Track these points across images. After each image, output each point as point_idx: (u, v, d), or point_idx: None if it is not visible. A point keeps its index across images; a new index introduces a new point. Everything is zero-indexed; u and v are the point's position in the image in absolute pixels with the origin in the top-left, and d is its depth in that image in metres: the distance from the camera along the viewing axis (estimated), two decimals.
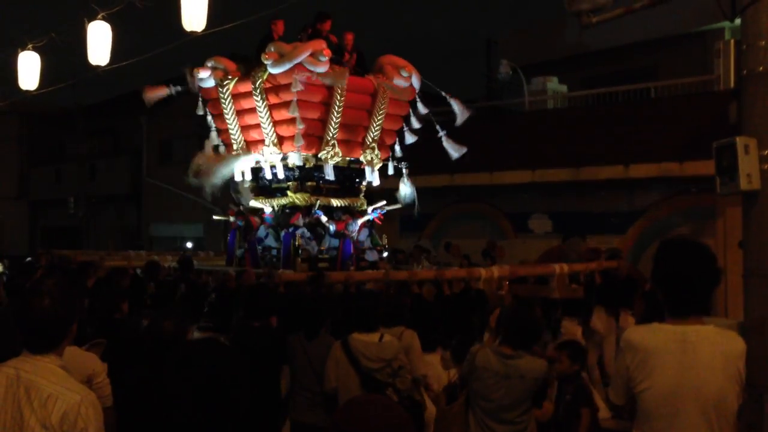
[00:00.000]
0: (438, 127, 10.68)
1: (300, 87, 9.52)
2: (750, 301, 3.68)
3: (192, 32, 8.31)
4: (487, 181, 14.22)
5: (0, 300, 7.61)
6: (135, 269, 10.26)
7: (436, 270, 9.30)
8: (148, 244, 22.09)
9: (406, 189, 10.91)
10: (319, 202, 10.32)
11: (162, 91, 10.80)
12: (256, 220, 10.67)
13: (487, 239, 13.01)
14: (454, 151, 10.75)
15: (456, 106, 10.66)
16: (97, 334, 4.64)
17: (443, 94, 10.71)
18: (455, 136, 10.80)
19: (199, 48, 10.32)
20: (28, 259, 12.71)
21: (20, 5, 60.61)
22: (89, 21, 9.26)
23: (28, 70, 10.36)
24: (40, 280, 2.95)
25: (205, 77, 10.54)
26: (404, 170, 11.00)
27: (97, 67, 9.46)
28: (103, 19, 9.25)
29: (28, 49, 10.31)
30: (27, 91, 10.47)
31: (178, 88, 10.77)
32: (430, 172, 11.00)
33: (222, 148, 11.04)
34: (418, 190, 11.02)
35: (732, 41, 4.05)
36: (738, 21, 4.12)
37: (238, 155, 10.57)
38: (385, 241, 11.07)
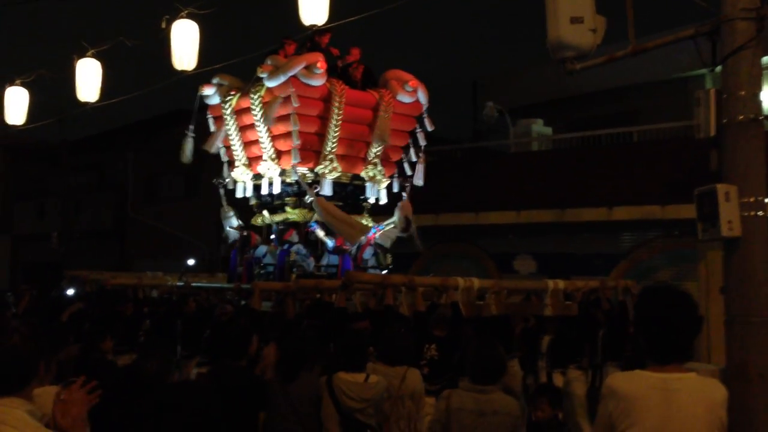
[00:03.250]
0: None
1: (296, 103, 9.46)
2: (732, 346, 3.70)
3: (182, 71, 8.39)
4: (472, 221, 14.27)
5: None
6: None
7: (407, 277, 8.24)
8: None
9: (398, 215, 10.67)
10: (315, 216, 10.06)
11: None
12: (257, 236, 10.50)
13: None
14: (419, 179, 10.72)
15: (420, 169, 10.69)
16: (76, 372, 4.57)
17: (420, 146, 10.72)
18: (441, 175, 10.82)
19: (189, 86, 10.40)
20: (8, 293, 12.57)
21: (8, 41, 60.90)
22: (79, 58, 9.34)
23: (16, 105, 10.37)
24: (5, 319, 2.90)
25: (211, 94, 10.58)
26: (404, 193, 10.82)
27: (86, 103, 9.50)
28: (93, 56, 9.34)
29: (16, 85, 10.34)
30: (14, 126, 10.47)
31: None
32: (415, 211, 11.06)
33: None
34: None
35: (712, 91, 4.08)
36: (719, 69, 4.20)
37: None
38: (390, 260, 10.76)
